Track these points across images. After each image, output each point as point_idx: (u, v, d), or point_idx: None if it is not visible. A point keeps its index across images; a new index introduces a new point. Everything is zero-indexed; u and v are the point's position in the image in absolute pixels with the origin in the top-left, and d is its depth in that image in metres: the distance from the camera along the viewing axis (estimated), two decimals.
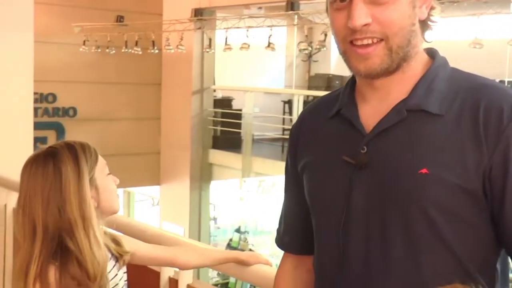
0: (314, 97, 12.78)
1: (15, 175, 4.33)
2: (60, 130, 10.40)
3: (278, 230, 1.75)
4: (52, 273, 1.86)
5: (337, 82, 13.31)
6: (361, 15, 1.34)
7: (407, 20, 1.38)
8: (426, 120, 1.39)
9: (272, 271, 2.38)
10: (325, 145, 1.53)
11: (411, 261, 1.37)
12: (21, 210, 1.93)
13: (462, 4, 6.69)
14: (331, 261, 1.49)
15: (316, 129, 1.58)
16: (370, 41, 1.37)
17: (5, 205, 4.32)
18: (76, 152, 1.97)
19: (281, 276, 1.75)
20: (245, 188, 11.90)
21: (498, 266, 1.41)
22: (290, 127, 11.67)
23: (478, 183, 1.33)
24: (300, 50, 10.58)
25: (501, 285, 1.42)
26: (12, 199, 4.28)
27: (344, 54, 1.43)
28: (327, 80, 13.50)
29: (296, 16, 9.02)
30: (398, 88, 1.43)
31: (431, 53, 1.48)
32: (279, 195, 11.49)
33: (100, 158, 2.07)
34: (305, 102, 11.63)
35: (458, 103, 1.38)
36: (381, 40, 1.37)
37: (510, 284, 1.49)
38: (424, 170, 1.34)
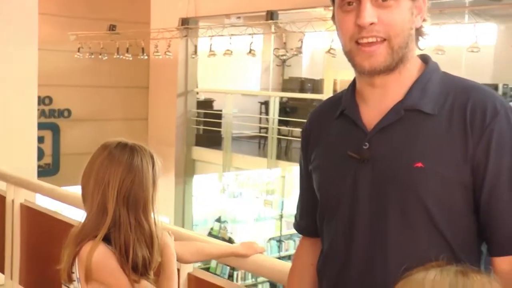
0: (288, 98, 12.84)
1: (22, 172, 4.27)
2: (55, 130, 10.28)
3: (295, 217, 1.77)
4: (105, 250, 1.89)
5: (308, 84, 13.36)
6: (369, 14, 1.38)
7: (407, 24, 1.42)
8: (421, 119, 1.42)
9: (267, 259, 2.41)
10: (333, 143, 1.55)
11: (408, 244, 1.40)
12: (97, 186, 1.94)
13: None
14: (338, 249, 1.50)
15: (323, 129, 1.60)
16: (374, 39, 1.40)
17: (13, 200, 4.24)
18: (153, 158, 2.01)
19: (298, 255, 1.77)
20: (225, 181, 11.89)
21: (483, 249, 1.44)
22: (266, 126, 11.74)
23: (467, 175, 1.37)
24: (278, 56, 10.61)
25: (484, 266, 1.42)
26: (19, 194, 4.23)
27: (350, 53, 1.45)
28: (300, 83, 13.55)
29: (273, 25, 9.05)
30: (395, 89, 1.45)
31: (424, 59, 1.51)
32: (254, 187, 11.52)
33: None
34: (280, 103, 11.65)
35: (449, 103, 1.41)
36: (384, 40, 1.40)
37: None
38: (419, 164, 1.37)
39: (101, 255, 1.91)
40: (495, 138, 1.35)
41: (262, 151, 11.98)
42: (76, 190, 3.86)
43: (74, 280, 1.95)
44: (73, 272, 1.94)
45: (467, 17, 7.91)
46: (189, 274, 2.52)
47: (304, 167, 1.68)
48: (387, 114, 1.45)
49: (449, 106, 1.41)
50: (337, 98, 1.61)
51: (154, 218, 1.98)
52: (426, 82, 1.45)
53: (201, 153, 11.82)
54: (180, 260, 2.16)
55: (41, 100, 10.08)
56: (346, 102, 1.54)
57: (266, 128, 11.73)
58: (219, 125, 11.79)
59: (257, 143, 12.44)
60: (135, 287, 1.95)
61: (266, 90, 14.25)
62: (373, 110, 1.48)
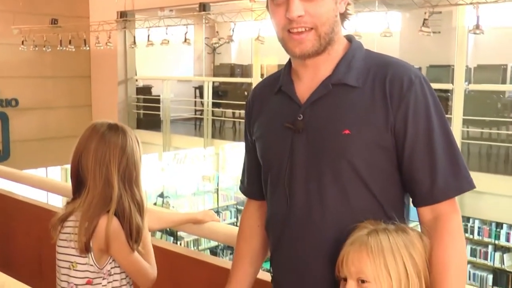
0: (220, 82, 12.86)
1: None
2: (4, 118, 9.97)
3: (242, 181, 1.78)
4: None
5: (238, 70, 13.37)
6: (297, 8, 1.41)
7: (332, 12, 1.45)
8: (347, 91, 1.45)
9: (221, 226, 2.41)
10: (272, 116, 1.57)
11: (341, 200, 1.43)
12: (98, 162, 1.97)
13: None
14: (280, 207, 1.52)
15: (264, 104, 1.63)
16: (303, 29, 1.44)
17: None
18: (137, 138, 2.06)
19: (246, 217, 1.77)
20: (165, 160, 11.84)
21: (406, 200, 1.50)
22: (201, 108, 11.72)
23: (389, 139, 1.41)
24: (211, 44, 10.60)
25: (407, 218, 1.50)
26: None
27: (283, 40, 1.48)
28: (230, 69, 13.54)
29: (204, 17, 9.07)
30: (325, 67, 1.49)
31: (349, 38, 1.55)
32: (190, 165, 11.48)
33: None
34: (213, 87, 11.66)
35: (371, 77, 1.45)
36: (311, 28, 1.44)
37: None
38: (346, 131, 1.41)
39: (116, 227, 1.94)
40: (412, 106, 1.40)
41: (198, 132, 11.99)
42: (27, 173, 3.84)
43: (90, 252, 1.95)
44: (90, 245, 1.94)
45: (377, 6, 8.14)
46: None
47: (249, 139, 1.69)
48: (317, 88, 1.48)
49: (371, 79, 1.44)
50: (276, 76, 1.63)
51: (142, 190, 2.02)
52: (351, 59, 1.48)
53: (142, 135, 11.69)
54: (148, 229, 2.15)
55: None
56: (283, 80, 1.56)
57: (201, 111, 11.73)
58: (157, 109, 11.67)
59: (193, 124, 12.43)
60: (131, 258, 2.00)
61: (199, 76, 14.22)
62: (306, 86, 1.51)
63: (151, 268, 2.09)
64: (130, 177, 1.99)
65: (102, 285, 2.02)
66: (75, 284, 2.02)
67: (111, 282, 2.04)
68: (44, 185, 3.49)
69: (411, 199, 1.48)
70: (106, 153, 1.99)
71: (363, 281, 1.31)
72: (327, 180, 1.44)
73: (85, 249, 1.96)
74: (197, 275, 2.31)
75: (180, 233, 10.20)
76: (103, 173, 1.98)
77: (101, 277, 2.02)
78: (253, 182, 1.72)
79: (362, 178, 1.42)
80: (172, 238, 10.09)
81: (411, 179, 1.43)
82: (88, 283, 2.01)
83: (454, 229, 1.38)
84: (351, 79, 1.46)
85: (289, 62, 1.59)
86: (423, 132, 1.40)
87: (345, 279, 1.35)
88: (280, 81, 1.58)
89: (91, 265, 1.99)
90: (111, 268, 2.03)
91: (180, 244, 10.25)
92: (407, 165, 1.42)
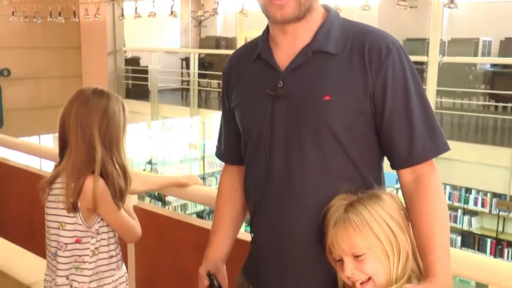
0: (206, 54, 12.77)
1: None
2: None
3: (218, 148, 1.76)
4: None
5: (223, 42, 13.25)
6: None
7: None
8: (326, 58, 1.43)
9: (203, 189, 2.42)
10: (250, 83, 1.55)
11: (321, 165, 1.42)
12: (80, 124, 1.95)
13: None
14: (260, 171, 1.50)
15: (242, 71, 1.59)
16: None
17: None
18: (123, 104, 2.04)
19: (224, 182, 1.76)
20: (153, 128, 11.81)
21: (381, 164, 1.51)
22: (188, 79, 11.66)
23: (367, 105, 1.40)
24: (197, 17, 10.50)
25: (382, 181, 1.51)
26: None
27: (264, 6, 1.46)
28: (215, 41, 13.41)
29: None
30: (303, 35, 1.46)
31: (326, 8, 1.53)
32: (177, 133, 11.47)
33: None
34: (199, 59, 11.58)
35: (349, 44, 1.43)
36: None
37: None
38: (327, 97, 1.39)
39: (102, 187, 1.94)
40: (390, 73, 1.39)
41: (185, 101, 11.93)
42: (21, 140, 3.81)
43: (77, 211, 1.95)
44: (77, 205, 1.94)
45: None
46: (134, 206, 2.52)
47: (226, 106, 1.66)
48: (297, 56, 1.45)
49: (350, 47, 1.42)
50: (252, 44, 1.60)
51: (124, 155, 2.00)
52: (329, 27, 1.46)
53: (131, 104, 11.58)
54: (132, 191, 2.15)
55: None
56: (261, 47, 1.53)
57: (188, 81, 11.65)
58: (146, 79, 11.57)
59: (180, 95, 12.37)
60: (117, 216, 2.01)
61: (186, 48, 14.10)
62: (285, 53, 1.48)
63: (136, 224, 2.09)
64: (111, 141, 1.97)
65: (91, 244, 2.02)
66: (64, 243, 2.01)
67: (99, 240, 2.04)
68: (37, 151, 3.47)
69: (389, 163, 1.48)
70: (88, 115, 1.96)
71: (358, 256, 1.32)
72: (307, 145, 1.42)
73: (73, 208, 1.95)
74: (182, 236, 2.32)
75: (168, 198, 10.24)
76: (86, 135, 1.96)
77: (89, 236, 2.02)
78: (230, 148, 1.70)
79: (341, 143, 1.42)
80: (160, 203, 10.13)
81: (391, 143, 1.43)
82: (77, 241, 2.01)
83: (435, 186, 1.40)
84: (330, 47, 1.44)
85: (267, 30, 1.56)
86: (401, 98, 1.40)
87: (339, 260, 1.35)
88: (258, 49, 1.54)
89: (80, 224, 1.99)
90: (99, 227, 2.04)
91: (168, 208, 10.30)
92: (386, 130, 1.42)
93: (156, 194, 7.85)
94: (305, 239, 1.44)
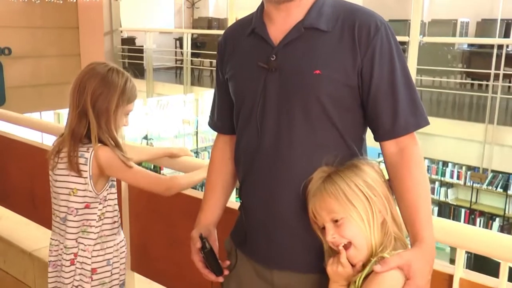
0: (198, 34, 12.68)
1: None
2: None
3: (211, 118, 1.76)
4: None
5: (215, 23, 13.17)
6: None
7: None
8: (318, 35, 1.43)
9: (193, 159, 2.46)
10: (245, 56, 1.54)
11: (308, 134, 1.43)
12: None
13: None
14: (251, 139, 1.51)
15: (236, 45, 1.59)
16: None
17: None
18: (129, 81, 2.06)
19: (216, 150, 1.77)
20: (149, 105, 11.77)
21: (364, 136, 1.53)
22: (181, 58, 11.58)
23: (355, 79, 1.41)
24: None
25: (364, 150, 1.53)
26: None
27: None
28: (208, 22, 13.33)
29: None
30: (296, 12, 1.46)
31: None
32: (172, 110, 11.44)
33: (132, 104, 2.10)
34: (192, 39, 11.50)
35: (340, 22, 1.43)
36: None
37: None
38: (317, 71, 1.40)
39: (107, 153, 1.98)
40: (378, 50, 1.40)
41: (178, 79, 11.88)
42: (24, 116, 3.79)
43: (85, 176, 2.00)
44: (85, 170, 1.99)
45: None
46: None
47: (220, 78, 1.66)
48: (290, 31, 1.45)
49: (340, 25, 1.43)
50: (247, 20, 1.60)
51: (115, 129, 2.01)
52: (321, 5, 1.46)
53: None
54: None
55: None
56: (256, 23, 1.53)
57: (181, 60, 11.59)
58: (141, 58, 11.48)
59: (174, 73, 12.33)
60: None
61: (179, 28, 13.98)
62: (278, 29, 1.48)
63: (161, 176, 2.10)
64: (100, 110, 1.98)
65: (98, 209, 2.08)
66: (75, 209, 2.06)
67: (105, 206, 2.10)
68: (39, 126, 3.47)
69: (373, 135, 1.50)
70: (87, 81, 1.98)
71: (336, 221, 1.33)
72: (296, 116, 1.43)
73: (77, 171, 2.00)
74: (175, 205, 2.34)
75: (163, 171, 10.26)
76: (80, 100, 1.98)
77: (97, 202, 2.07)
78: (223, 118, 1.70)
79: (329, 114, 1.42)
80: None
81: (376, 116, 1.44)
82: (86, 207, 2.07)
83: (418, 157, 1.41)
84: (322, 24, 1.44)
85: (261, 6, 1.55)
86: (387, 74, 1.41)
87: (323, 227, 1.37)
88: (253, 24, 1.54)
89: (90, 191, 2.03)
90: (107, 194, 2.09)
91: None
92: (372, 103, 1.43)
93: (152, 167, 7.88)
94: (292, 205, 1.45)
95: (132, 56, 11.63)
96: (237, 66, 1.57)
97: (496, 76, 7.58)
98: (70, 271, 2.09)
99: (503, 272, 1.57)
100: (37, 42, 10.11)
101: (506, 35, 10.34)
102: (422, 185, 1.38)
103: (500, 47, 7.76)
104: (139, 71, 11.52)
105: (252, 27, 1.54)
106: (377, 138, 1.46)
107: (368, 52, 1.40)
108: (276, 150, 1.46)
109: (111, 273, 2.13)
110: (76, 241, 2.09)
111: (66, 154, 2.02)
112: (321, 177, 1.38)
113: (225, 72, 1.61)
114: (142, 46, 11.63)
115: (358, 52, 1.40)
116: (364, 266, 1.32)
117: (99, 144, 1.98)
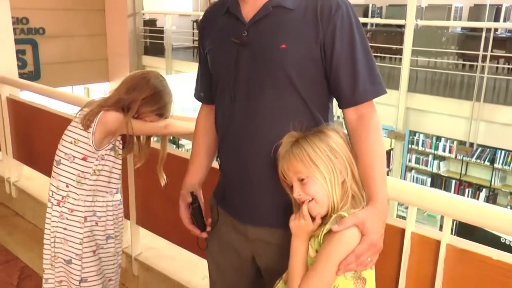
0: None
1: (4, 73, 4.23)
2: (34, 44, 9.74)
3: (196, 89, 1.78)
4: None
5: None
6: None
7: None
8: (284, 13, 1.44)
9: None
10: (220, 33, 1.55)
11: (277, 103, 1.44)
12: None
13: None
14: (226, 108, 1.53)
15: (214, 22, 1.60)
16: None
17: (0, 95, 4.20)
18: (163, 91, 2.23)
19: (200, 119, 1.80)
20: (168, 81, 11.78)
21: (330, 105, 1.53)
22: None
23: (318, 52, 1.41)
24: None
25: (330, 118, 1.53)
26: (4, 90, 4.18)
27: None
28: None
29: None
30: None
31: None
32: (189, 86, 11.56)
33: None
34: None
35: (304, 2, 1.44)
36: None
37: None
38: (283, 46, 1.40)
39: (113, 115, 2.10)
40: (338, 25, 1.40)
41: (195, 58, 11.85)
42: (55, 89, 3.86)
43: (89, 131, 2.10)
44: (91, 127, 2.10)
45: None
46: None
47: (201, 53, 1.68)
48: (259, 10, 1.47)
49: (305, 4, 1.44)
50: (224, 0, 1.60)
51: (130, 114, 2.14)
52: None
53: (149, 60, 11.60)
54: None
55: (19, 20, 9.53)
56: (231, 2, 1.54)
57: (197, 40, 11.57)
58: (161, 38, 11.47)
59: (192, 52, 12.30)
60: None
61: (197, 11, 13.92)
62: (250, 8, 1.49)
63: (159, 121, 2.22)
64: (137, 114, 2.16)
65: (94, 164, 2.16)
66: (73, 156, 2.15)
67: (102, 164, 2.17)
68: (71, 99, 3.56)
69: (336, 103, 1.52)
70: (141, 88, 2.13)
71: (302, 179, 1.36)
72: (266, 87, 1.44)
73: (87, 126, 2.09)
74: (170, 166, 2.35)
75: (181, 142, 10.34)
76: (126, 98, 2.14)
77: (94, 157, 2.16)
78: (206, 89, 1.71)
79: (295, 85, 1.43)
80: (174, 146, 10.22)
81: (337, 85, 1.44)
82: (83, 159, 2.15)
83: (375, 123, 1.42)
84: (288, 2, 1.45)
85: None
86: (347, 46, 1.41)
87: (292, 186, 1.39)
88: (228, 4, 1.55)
89: (90, 145, 2.12)
90: (105, 154, 2.17)
91: (181, 150, 10.41)
92: (334, 73, 1.43)
93: (171, 138, 7.97)
94: (263, 165, 1.47)
95: (153, 37, 11.63)
96: (214, 42, 1.58)
97: (485, 58, 7.53)
98: (55, 211, 2.18)
99: (446, 226, 1.60)
100: (68, 23, 10.15)
101: (496, 19, 10.21)
102: (378, 149, 1.38)
103: (488, 30, 7.68)
104: (159, 50, 11.54)
105: (227, 6, 1.55)
106: (340, 105, 1.47)
107: (330, 27, 1.40)
108: (247, 114, 1.47)
109: (96, 223, 2.21)
110: (67, 186, 2.17)
111: (86, 111, 2.13)
112: (290, 142, 1.40)
113: (205, 47, 1.63)
114: (163, 27, 11.61)
115: (320, 27, 1.40)
116: (324, 222, 1.34)
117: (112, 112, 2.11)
